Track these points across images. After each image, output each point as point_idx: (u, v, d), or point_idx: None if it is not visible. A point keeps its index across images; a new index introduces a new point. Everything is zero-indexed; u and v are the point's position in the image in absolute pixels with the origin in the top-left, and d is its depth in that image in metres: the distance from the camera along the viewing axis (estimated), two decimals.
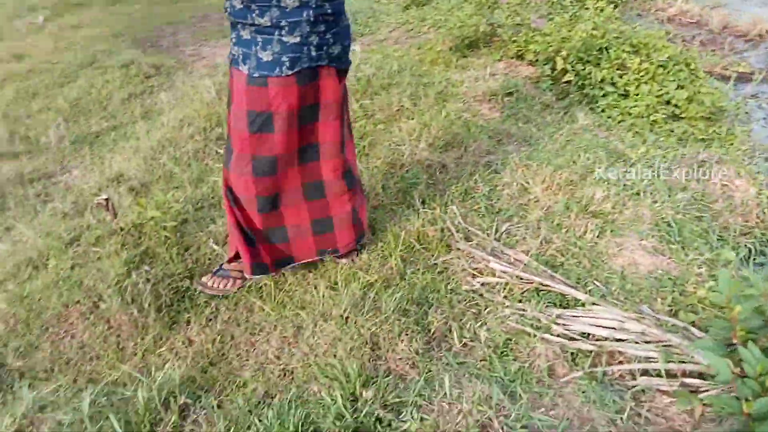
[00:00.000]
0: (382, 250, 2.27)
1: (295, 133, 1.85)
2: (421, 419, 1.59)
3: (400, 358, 1.82)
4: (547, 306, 1.97)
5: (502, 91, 3.58)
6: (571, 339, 1.83)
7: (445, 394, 1.67)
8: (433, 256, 2.25)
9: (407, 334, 1.88)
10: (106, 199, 2.35)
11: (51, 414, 1.72)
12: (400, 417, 1.62)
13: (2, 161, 3.34)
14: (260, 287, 2.16)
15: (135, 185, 2.87)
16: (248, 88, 1.77)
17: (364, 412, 1.61)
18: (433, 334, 1.92)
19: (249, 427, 1.62)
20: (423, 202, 2.51)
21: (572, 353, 1.80)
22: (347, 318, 1.96)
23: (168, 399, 1.71)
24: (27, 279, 2.30)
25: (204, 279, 2.17)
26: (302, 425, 1.58)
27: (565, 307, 1.96)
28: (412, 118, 3.25)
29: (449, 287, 2.11)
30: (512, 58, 4.12)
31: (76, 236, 2.45)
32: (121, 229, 2.36)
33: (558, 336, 1.84)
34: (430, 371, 1.77)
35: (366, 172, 2.77)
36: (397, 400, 1.66)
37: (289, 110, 1.78)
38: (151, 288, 2.08)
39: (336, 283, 2.13)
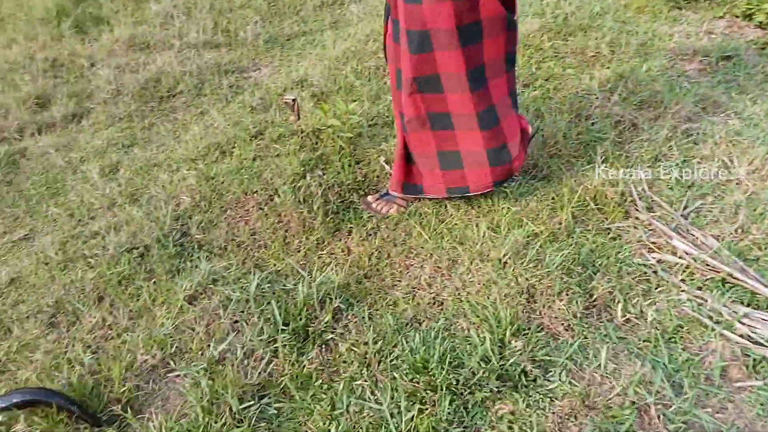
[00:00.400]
0: (553, 201, 2.15)
1: (458, 52, 1.76)
2: (570, 383, 1.52)
3: (555, 317, 1.73)
4: (732, 301, 1.75)
5: (717, 53, 3.13)
6: (756, 343, 1.62)
7: (600, 365, 1.57)
8: (607, 219, 2.09)
9: (567, 295, 1.78)
10: (293, 100, 2.44)
11: (221, 288, 1.89)
12: (548, 376, 1.56)
13: (205, 50, 3.61)
14: (421, 214, 2.15)
15: (316, 91, 2.96)
16: (405, 6, 1.73)
17: (511, 361, 1.57)
18: (594, 300, 1.80)
19: (395, 345, 1.66)
20: (605, 160, 2.32)
21: (754, 359, 1.59)
22: (506, 263, 1.90)
23: (324, 299, 1.80)
24: (214, 161, 2.50)
25: (369, 198, 2.21)
26: (447, 356, 1.58)
27: (755, 308, 1.73)
28: (608, 67, 2.97)
29: (620, 256, 1.95)
30: (737, 16, 3.56)
31: (261, 130, 2.61)
32: (302, 131, 2.46)
33: (741, 336, 1.64)
34: (586, 338, 1.68)
35: (547, 117, 2.60)
36: (547, 358, 1.60)
37: (446, 28, 1.71)
38: (321, 192, 2.16)
39: (499, 226, 2.07)
